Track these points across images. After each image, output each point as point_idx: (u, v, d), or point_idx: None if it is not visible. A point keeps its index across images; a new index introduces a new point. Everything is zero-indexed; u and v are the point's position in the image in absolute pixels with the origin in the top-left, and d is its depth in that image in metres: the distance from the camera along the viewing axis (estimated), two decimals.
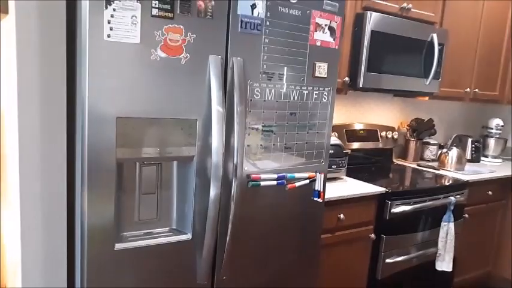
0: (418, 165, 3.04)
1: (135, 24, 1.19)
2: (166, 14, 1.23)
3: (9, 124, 1.28)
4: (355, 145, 2.88)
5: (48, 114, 1.27)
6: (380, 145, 3.02)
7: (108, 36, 1.16)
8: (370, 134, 2.97)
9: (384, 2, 2.42)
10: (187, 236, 1.41)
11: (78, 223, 1.29)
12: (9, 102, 1.26)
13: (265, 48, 1.44)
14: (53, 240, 1.33)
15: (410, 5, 2.52)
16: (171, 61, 1.27)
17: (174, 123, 1.32)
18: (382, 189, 2.23)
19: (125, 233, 1.35)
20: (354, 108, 2.94)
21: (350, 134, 2.84)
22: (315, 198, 1.70)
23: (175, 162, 1.41)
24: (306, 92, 1.58)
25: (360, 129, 2.91)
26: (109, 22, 1.16)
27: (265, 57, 1.45)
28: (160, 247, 1.36)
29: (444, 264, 2.42)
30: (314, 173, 1.65)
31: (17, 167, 1.24)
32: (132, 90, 1.23)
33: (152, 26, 1.22)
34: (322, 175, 1.69)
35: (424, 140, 3.19)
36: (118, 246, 1.29)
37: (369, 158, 2.98)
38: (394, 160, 3.16)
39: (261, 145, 1.50)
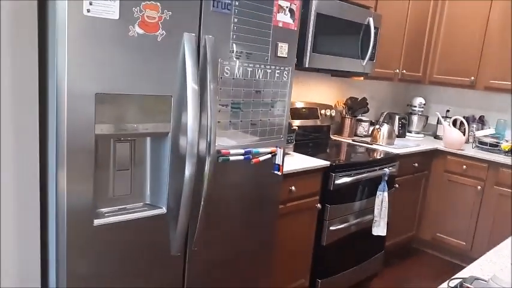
0: (353, 140, 3.28)
1: (114, 0, 1.19)
2: None
3: None
4: (297, 122, 3.03)
5: (20, 93, 1.22)
6: (319, 122, 3.21)
7: (88, 11, 1.15)
8: (311, 111, 3.15)
9: None
10: (162, 210, 1.45)
11: (53, 202, 1.28)
12: None
13: (235, 27, 1.50)
14: (26, 221, 1.30)
15: None
16: (148, 38, 1.28)
17: (150, 100, 1.34)
18: (327, 163, 2.41)
19: (101, 209, 1.36)
20: (296, 87, 3.08)
21: (293, 111, 2.99)
22: (275, 172, 1.81)
23: (148, 139, 1.43)
24: (269, 70, 1.66)
25: (302, 107, 3.07)
26: None
27: (234, 36, 1.50)
28: (136, 221, 1.39)
29: (380, 229, 2.68)
30: (275, 148, 1.76)
31: None
32: (111, 66, 1.22)
33: (130, 3, 1.22)
34: (282, 150, 1.80)
35: (358, 118, 3.45)
36: (96, 222, 1.30)
37: (307, 135, 3.15)
38: (331, 136, 3.38)
39: (230, 122, 1.57)
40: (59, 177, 1.23)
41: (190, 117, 1.37)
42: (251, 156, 1.66)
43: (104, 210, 1.36)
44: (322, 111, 3.21)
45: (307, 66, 2.51)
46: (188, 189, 1.41)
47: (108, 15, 1.18)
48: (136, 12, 1.24)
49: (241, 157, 1.62)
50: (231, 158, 1.58)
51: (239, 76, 1.56)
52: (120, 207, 1.41)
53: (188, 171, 1.39)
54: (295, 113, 3.00)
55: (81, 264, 1.29)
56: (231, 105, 1.55)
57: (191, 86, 1.36)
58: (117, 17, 1.20)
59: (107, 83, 1.23)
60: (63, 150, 1.20)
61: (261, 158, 1.70)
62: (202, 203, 1.48)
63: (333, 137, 3.38)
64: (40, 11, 1.23)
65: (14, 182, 1.26)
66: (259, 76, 1.63)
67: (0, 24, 1.15)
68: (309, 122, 3.13)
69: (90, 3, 1.15)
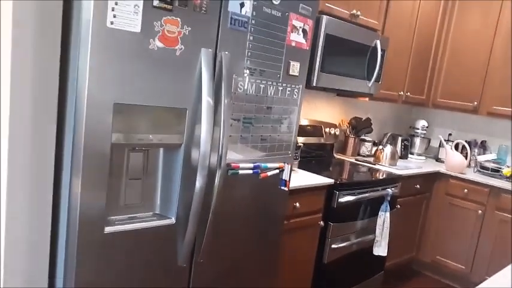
0: (356, 159, 3.31)
1: (137, 13, 1.23)
2: (166, 5, 1.28)
3: None
4: (302, 139, 3.06)
5: (40, 98, 1.25)
6: (323, 140, 3.24)
7: (112, 23, 1.18)
8: (316, 129, 3.18)
9: (337, 8, 2.61)
10: (171, 221, 1.46)
11: (65, 207, 1.29)
12: None
13: (250, 45, 1.54)
14: (37, 226, 1.31)
15: (359, 12, 2.74)
16: (167, 51, 1.32)
17: (166, 112, 1.37)
18: (331, 181, 2.43)
19: (112, 217, 1.37)
20: (302, 105, 3.12)
21: (299, 129, 3.02)
22: (282, 187, 1.83)
23: (161, 150, 1.46)
24: (281, 88, 1.70)
25: (307, 125, 3.11)
26: (113, 9, 1.18)
27: (249, 53, 1.54)
28: (145, 231, 1.41)
29: (380, 249, 2.69)
30: (283, 164, 1.79)
31: (5, 156, 1.21)
32: (130, 77, 1.26)
33: (152, 17, 1.26)
34: (289, 166, 1.83)
35: (361, 137, 3.48)
36: (107, 229, 1.31)
37: (311, 152, 3.18)
38: (335, 154, 3.41)
39: (241, 136, 1.59)
40: (73, 183, 1.25)
41: (204, 130, 1.40)
42: (259, 171, 1.68)
43: (114, 218, 1.38)
44: (327, 130, 3.24)
45: (314, 85, 2.56)
46: (198, 200, 1.43)
47: (130, 28, 1.22)
48: (157, 26, 1.28)
49: (250, 171, 1.65)
50: (241, 171, 1.60)
51: (252, 92, 1.59)
52: (131, 215, 1.42)
53: (199, 183, 1.41)
54: (300, 130, 3.03)
55: (89, 270, 1.30)
56: (242, 120, 1.58)
57: (206, 99, 1.39)
58: (138, 30, 1.24)
59: (126, 94, 1.26)
60: (80, 157, 1.22)
61: (269, 173, 1.73)
62: (210, 215, 1.50)
63: (336, 156, 3.41)
64: (64, 20, 1.27)
65: (27, 185, 1.28)
66: (270, 93, 1.66)
67: (26, 31, 1.19)
68: (313, 140, 3.16)
69: (114, 16, 1.19)
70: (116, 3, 1.18)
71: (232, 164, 1.58)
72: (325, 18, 2.49)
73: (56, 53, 1.26)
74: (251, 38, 1.53)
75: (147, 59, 1.28)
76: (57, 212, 1.35)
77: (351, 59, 2.77)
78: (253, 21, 1.52)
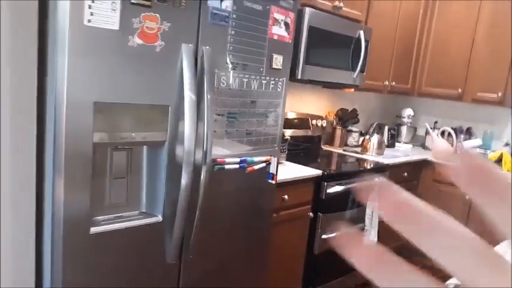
0: (344, 150, 3.32)
1: (115, 10, 1.21)
2: (144, 2, 1.26)
3: None
4: (289, 132, 3.06)
5: (18, 99, 1.23)
6: (310, 132, 3.25)
7: (89, 21, 1.17)
8: (303, 122, 3.18)
9: (319, 0, 2.61)
10: (158, 219, 1.46)
11: (49, 209, 1.28)
12: None
13: (231, 39, 1.53)
14: (21, 228, 1.30)
15: (341, 4, 2.74)
16: (147, 48, 1.30)
17: (148, 109, 1.36)
18: (319, 172, 2.44)
19: (98, 217, 1.36)
20: (288, 98, 3.11)
21: (285, 121, 3.01)
22: (269, 180, 1.83)
23: (145, 147, 1.45)
24: (264, 81, 1.70)
25: (294, 118, 3.11)
26: (90, 7, 1.16)
27: (231, 47, 1.53)
28: (132, 229, 1.40)
29: (370, 238, 2.71)
30: (270, 157, 1.79)
31: None
32: (110, 75, 1.24)
33: (130, 13, 1.24)
34: (276, 159, 1.83)
35: (348, 128, 3.49)
36: (93, 230, 1.30)
37: (299, 144, 3.19)
38: (322, 146, 3.42)
39: (225, 131, 1.59)
40: (56, 184, 1.24)
41: (187, 126, 1.39)
42: (246, 165, 1.68)
43: (100, 218, 1.37)
44: (314, 122, 3.25)
45: (299, 77, 2.55)
46: (184, 197, 1.42)
47: (108, 25, 1.21)
48: (136, 23, 1.26)
49: (237, 165, 1.64)
50: (227, 166, 1.60)
51: (235, 86, 1.58)
52: (116, 215, 1.41)
53: (185, 180, 1.40)
54: (287, 123, 3.03)
55: (76, 271, 1.29)
56: (227, 115, 1.58)
57: (189, 95, 1.38)
58: (117, 27, 1.22)
59: (106, 92, 1.25)
60: (61, 158, 1.21)
61: (256, 167, 1.73)
62: (197, 211, 1.50)
63: (324, 147, 3.42)
64: (40, 19, 1.25)
65: (10, 188, 1.26)
66: (254, 87, 1.66)
67: (2, 33, 1.17)
68: (300, 132, 3.16)
69: (91, 14, 1.17)
70: (93, 1, 1.16)
71: (218, 159, 1.57)
72: (308, 10, 2.48)
73: (33, 54, 1.24)
74: (232, 32, 1.52)
75: (126, 56, 1.26)
76: (42, 214, 1.33)
77: (335, 51, 2.77)
78: (234, 16, 1.51)
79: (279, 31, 1.70)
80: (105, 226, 1.34)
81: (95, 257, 1.32)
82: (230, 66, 1.54)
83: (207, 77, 1.44)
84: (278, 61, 1.72)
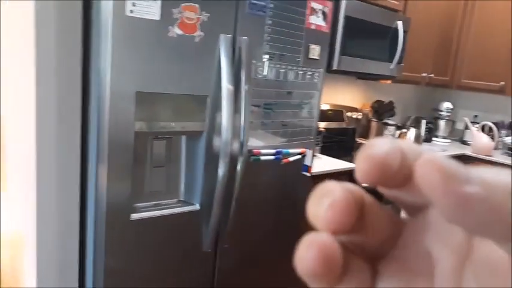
0: None
1: (156, 1, 1.23)
2: None
3: (21, 102, 1.27)
4: (323, 124, 3.03)
5: (65, 91, 1.27)
6: (344, 125, 3.20)
7: (131, 11, 1.19)
8: (337, 114, 3.15)
9: None
10: (196, 207, 1.48)
11: (92, 197, 1.32)
12: (23, 78, 1.25)
13: (269, 29, 1.52)
14: (66, 215, 1.35)
15: None
16: (186, 38, 1.32)
17: (187, 99, 1.38)
18: (354, 165, 2.40)
19: (137, 204, 1.40)
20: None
21: (320, 113, 2.99)
22: (304, 173, 1.82)
23: (183, 137, 1.47)
24: (301, 72, 1.68)
25: (328, 110, 3.07)
26: None
27: (268, 38, 1.53)
28: (170, 217, 1.43)
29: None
30: (305, 149, 1.78)
31: (33, 147, 1.24)
32: (150, 65, 1.27)
33: (171, 4, 1.26)
34: (311, 151, 1.81)
35: (384, 121, 3.42)
36: (134, 216, 1.34)
37: (333, 137, 3.15)
38: (357, 139, 3.37)
39: (262, 122, 1.59)
40: (99, 172, 1.27)
41: (225, 117, 1.40)
42: (281, 157, 1.68)
43: (140, 205, 1.40)
44: (348, 114, 3.20)
45: (335, 68, 2.52)
46: (221, 187, 1.43)
47: (149, 15, 1.22)
48: (176, 13, 1.27)
49: (272, 157, 1.64)
50: (262, 157, 1.60)
51: (271, 77, 1.58)
52: (155, 202, 1.45)
53: (222, 170, 1.42)
54: (321, 115, 2.99)
55: (118, 257, 1.33)
56: (263, 106, 1.58)
57: (226, 86, 1.39)
58: (158, 17, 1.24)
59: (147, 82, 1.27)
60: (105, 147, 1.24)
61: (291, 159, 1.72)
62: (233, 201, 1.51)
63: (359, 140, 3.36)
64: (85, 10, 1.28)
65: (56, 177, 1.31)
66: (291, 77, 1.65)
67: (49, 28, 1.21)
68: (334, 125, 3.12)
69: (133, 4, 1.19)
70: None
71: (254, 151, 1.58)
72: (344, 0, 2.44)
73: (78, 46, 1.28)
74: (270, 22, 1.52)
75: (166, 46, 1.28)
76: (85, 201, 1.38)
77: (372, 41, 2.72)
78: (271, 5, 1.51)
79: (316, 21, 1.68)
80: (144, 213, 1.37)
81: (134, 243, 1.36)
82: (267, 56, 1.54)
83: (244, 68, 1.44)
84: (315, 51, 1.71)
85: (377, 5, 2.70)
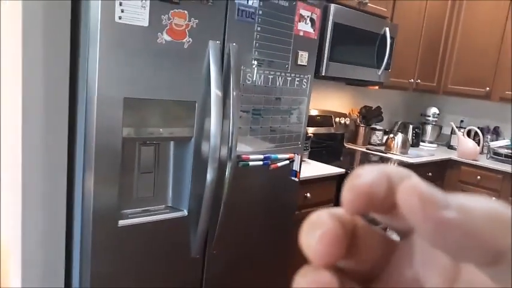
0: (367, 149, 3.29)
1: (144, 7, 1.23)
2: None
3: (8, 105, 1.26)
4: (311, 129, 3.05)
5: (51, 94, 1.26)
6: (333, 130, 3.23)
7: (120, 18, 1.19)
8: (325, 119, 3.17)
9: None
10: (184, 213, 1.48)
11: (79, 202, 1.31)
12: (10, 81, 1.24)
13: (257, 36, 1.53)
14: (52, 220, 1.34)
15: (367, 0, 2.71)
16: (175, 45, 1.32)
17: (175, 105, 1.38)
18: (342, 170, 2.42)
19: (125, 211, 1.39)
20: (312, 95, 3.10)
21: (308, 119, 3.00)
22: (293, 178, 1.83)
23: (172, 143, 1.47)
24: (289, 78, 1.70)
25: (317, 115, 3.09)
26: (120, 4, 1.18)
27: (257, 44, 1.54)
28: (159, 223, 1.42)
29: (393, 237, 2.68)
30: (293, 154, 1.79)
31: (20, 153, 1.23)
32: (139, 71, 1.27)
33: (159, 10, 1.26)
34: (299, 156, 1.83)
35: (372, 126, 3.46)
36: (121, 222, 1.33)
37: (322, 142, 3.17)
38: (345, 144, 3.39)
39: (250, 128, 1.60)
40: (86, 178, 1.27)
41: (213, 123, 1.40)
42: (270, 162, 1.69)
43: (127, 211, 1.40)
44: (337, 119, 3.23)
45: (323, 74, 2.54)
46: (209, 192, 1.44)
47: (138, 22, 1.23)
48: (165, 19, 1.28)
49: (261, 162, 1.65)
50: (251, 163, 1.61)
51: (260, 83, 1.59)
52: (144, 208, 1.44)
53: (210, 175, 1.42)
54: (310, 121, 3.01)
55: (104, 263, 1.32)
56: (252, 112, 1.59)
57: (215, 92, 1.40)
58: (146, 24, 1.24)
59: (135, 88, 1.27)
60: (92, 152, 1.23)
61: (279, 164, 1.73)
62: (222, 206, 1.51)
63: (347, 145, 3.39)
64: (72, 18, 1.27)
65: (41, 182, 1.30)
66: (279, 83, 1.66)
67: (36, 32, 1.20)
68: (323, 130, 3.15)
69: (122, 11, 1.19)
70: None
71: (243, 156, 1.58)
72: (333, 6, 2.47)
73: (66, 51, 1.27)
74: (258, 28, 1.53)
75: (155, 52, 1.28)
76: (72, 207, 1.37)
77: (360, 48, 2.74)
78: (260, 12, 1.52)
79: (304, 27, 1.70)
80: (132, 219, 1.37)
81: (122, 249, 1.35)
82: (256, 63, 1.55)
83: (233, 74, 1.45)
84: (303, 58, 1.72)
85: (365, 11, 2.74)
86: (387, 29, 2.82)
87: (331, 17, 2.48)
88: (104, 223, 1.29)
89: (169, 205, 1.50)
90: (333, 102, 3.32)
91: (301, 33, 1.69)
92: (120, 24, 1.19)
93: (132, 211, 1.41)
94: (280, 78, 1.65)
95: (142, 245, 1.40)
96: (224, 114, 1.46)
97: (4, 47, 1.25)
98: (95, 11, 1.17)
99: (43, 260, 1.34)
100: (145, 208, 1.44)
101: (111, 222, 1.31)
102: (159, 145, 1.45)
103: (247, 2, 1.47)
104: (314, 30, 1.75)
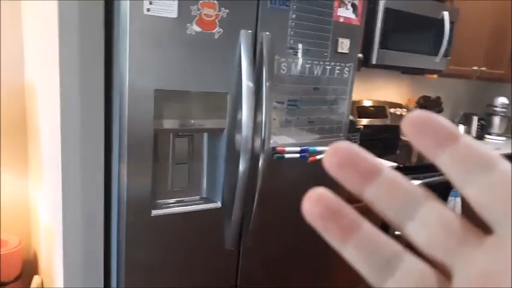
0: None
1: None
2: None
3: (45, 98, 1.32)
4: (364, 121, 2.93)
5: (87, 89, 1.30)
6: (388, 122, 3.08)
7: (148, 10, 1.20)
8: (379, 110, 3.03)
9: None
10: (217, 204, 1.48)
11: (115, 193, 1.35)
12: (44, 76, 1.30)
13: (292, 23, 1.48)
14: (91, 209, 1.38)
15: None
16: (205, 36, 1.31)
17: (207, 97, 1.37)
18: (394, 164, 2.30)
19: (159, 201, 1.42)
20: (363, 85, 2.98)
21: (360, 110, 2.90)
22: None
23: (205, 134, 1.47)
24: (328, 67, 1.63)
25: (370, 106, 2.97)
26: None
27: (292, 32, 1.49)
28: (192, 214, 1.43)
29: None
30: None
31: (58, 143, 1.28)
32: (169, 63, 1.27)
33: (188, 1, 1.26)
34: None
35: None
36: (154, 212, 1.36)
37: (376, 134, 3.04)
38: (401, 137, 3.22)
39: (285, 119, 1.56)
40: (121, 170, 1.30)
41: (245, 114, 1.38)
42: (307, 155, 1.63)
43: (162, 201, 1.42)
44: (392, 110, 3.07)
45: (374, 63, 2.42)
46: (242, 184, 1.42)
47: (167, 13, 1.23)
48: (194, 10, 1.27)
49: (297, 155, 1.60)
50: (286, 155, 1.57)
51: (296, 73, 1.54)
52: (178, 199, 1.46)
53: (242, 166, 1.40)
54: (362, 112, 2.91)
55: (139, 254, 1.36)
56: (287, 103, 1.54)
57: (246, 83, 1.37)
58: (175, 15, 1.24)
59: (166, 80, 1.28)
60: (124, 144, 1.26)
61: (318, 157, 1.67)
62: (256, 198, 1.49)
63: (404, 138, 3.22)
64: (106, 14, 1.30)
65: (80, 175, 1.35)
66: (317, 73, 1.60)
67: (72, 30, 1.25)
68: (376, 121, 3.01)
69: (150, 3, 1.20)
70: None
71: (278, 148, 1.55)
72: None
73: (100, 47, 1.30)
74: (293, 16, 1.48)
75: (185, 44, 1.28)
76: (109, 197, 1.42)
77: (415, 34, 2.58)
78: None
79: (345, 13, 1.62)
80: (166, 209, 1.39)
81: (156, 238, 1.38)
82: (291, 52, 1.50)
83: (265, 64, 1.41)
84: (344, 45, 1.64)
85: None
86: (446, 13, 2.62)
87: (382, 3, 2.35)
88: (138, 212, 1.32)
89: (204, 196, 1.51)
90: (387, 92, 3.16)
91: (342, 20, 1.61)
92: (149, 16, 1.21)
93: (166, 201, 1.43)
94: (318, 67, 1.59)
95: (176, 236, 1.42)
96: (257, 106, 1.43)
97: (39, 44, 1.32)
98: (124, 4, 1.19)
99: (84, 248, 1.40)
100: (180, 199, 1.46)
101: (145, 212, 1.33)
102: (193, 136, 1.45)
103: None
104: (356, 16, 1.66)
